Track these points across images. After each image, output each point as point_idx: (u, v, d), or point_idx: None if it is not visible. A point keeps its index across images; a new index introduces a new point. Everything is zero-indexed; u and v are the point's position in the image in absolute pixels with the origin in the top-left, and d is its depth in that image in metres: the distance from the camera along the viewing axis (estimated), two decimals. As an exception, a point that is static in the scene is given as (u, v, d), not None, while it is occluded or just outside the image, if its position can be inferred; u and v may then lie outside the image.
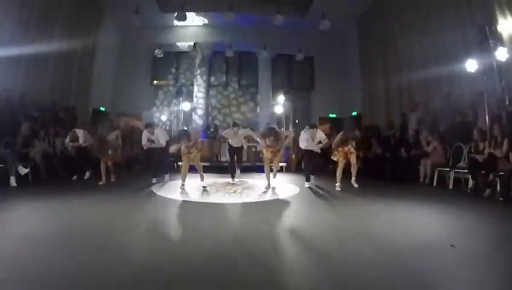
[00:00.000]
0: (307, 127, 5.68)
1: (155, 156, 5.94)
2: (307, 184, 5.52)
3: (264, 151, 5.49)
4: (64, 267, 1.81)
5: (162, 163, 6.14)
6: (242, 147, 6.36)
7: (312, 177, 5.71)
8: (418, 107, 7.68)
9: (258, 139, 5.87)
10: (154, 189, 4.97)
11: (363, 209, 3.70)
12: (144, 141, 5.70)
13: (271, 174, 5.48)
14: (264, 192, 4.98)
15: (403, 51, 8.67)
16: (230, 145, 6.19)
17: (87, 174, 6.19)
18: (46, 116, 7.25)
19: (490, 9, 5.80)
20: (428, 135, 6.18)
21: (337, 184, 5.26)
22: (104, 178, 5.57)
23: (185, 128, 8.19)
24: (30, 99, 7.18)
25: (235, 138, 6.01)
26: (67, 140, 6.25)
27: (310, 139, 5.44)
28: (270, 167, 5.53)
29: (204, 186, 5.35)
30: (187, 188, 5.04)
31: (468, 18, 6.32)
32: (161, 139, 5.70)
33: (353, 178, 5.39)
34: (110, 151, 5.74)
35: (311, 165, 5.72)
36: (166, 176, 6.06)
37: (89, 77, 9.98)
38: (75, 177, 6.01)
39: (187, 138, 5.13)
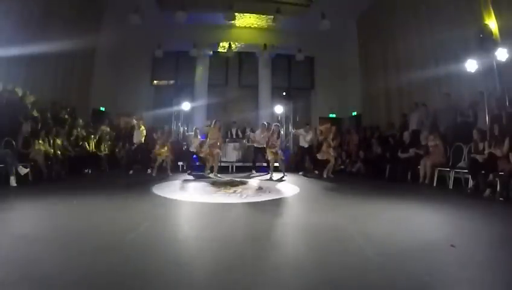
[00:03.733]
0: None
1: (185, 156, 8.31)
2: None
3: (267, 152, 7.07)
4: (64, 267, 1.81)
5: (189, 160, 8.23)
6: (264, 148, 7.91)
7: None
8: (418, 107, 7.68)
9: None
10: (155, 189, 4.98)
11: (363, 209, 3.70)
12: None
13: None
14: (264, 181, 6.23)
15: (402, 51, 8.66)
16: (255, 147, 8.20)
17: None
18: (46, 116, 7.23)
19: (490, 9, 5.80)
20: (429, 135, 6.17)
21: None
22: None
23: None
24: (30, 99, 7.16)
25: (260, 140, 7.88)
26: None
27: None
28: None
29: (217, 175, 6.89)
30: (189, 189, 5.30)
31: (468, 18, 6.32)
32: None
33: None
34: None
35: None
36: (187, 173, 7.62)
37: (89, 77, 9.97)
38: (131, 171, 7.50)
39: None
